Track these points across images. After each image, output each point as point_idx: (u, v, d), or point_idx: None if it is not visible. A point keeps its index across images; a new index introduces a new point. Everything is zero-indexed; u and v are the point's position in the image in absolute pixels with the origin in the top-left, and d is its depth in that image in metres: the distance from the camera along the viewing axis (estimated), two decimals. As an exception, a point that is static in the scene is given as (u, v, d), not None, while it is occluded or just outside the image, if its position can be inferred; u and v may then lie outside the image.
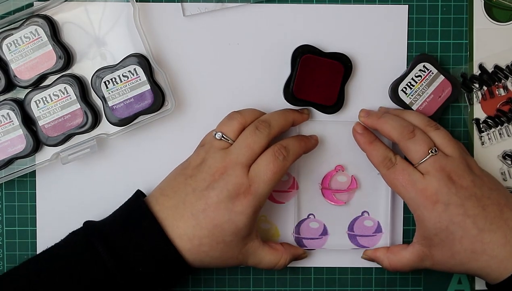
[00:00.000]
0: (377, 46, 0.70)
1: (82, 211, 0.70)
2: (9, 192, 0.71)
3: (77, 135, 0.68)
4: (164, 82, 0.67)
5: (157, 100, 0.67)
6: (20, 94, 0.68)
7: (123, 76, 0.67)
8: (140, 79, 0.67)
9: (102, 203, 0.69)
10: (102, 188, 0.70)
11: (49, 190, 0.70)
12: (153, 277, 0.60)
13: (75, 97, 0.67)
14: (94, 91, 0.67)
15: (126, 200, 0.65)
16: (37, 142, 0.67)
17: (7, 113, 0.67)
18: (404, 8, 0.71)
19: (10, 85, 0.68)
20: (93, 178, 0.70)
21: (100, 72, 0.67)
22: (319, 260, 0.72)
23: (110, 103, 0.67)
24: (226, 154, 0.62)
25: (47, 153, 0.69)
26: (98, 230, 0.61)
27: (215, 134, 0.64)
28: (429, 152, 0.63)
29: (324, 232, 0.71)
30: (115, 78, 0.67)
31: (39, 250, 0.70)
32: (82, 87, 0.67)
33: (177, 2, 0.69)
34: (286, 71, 0.69)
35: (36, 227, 0.70)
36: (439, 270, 0.65)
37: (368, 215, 0.71)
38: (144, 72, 0.67)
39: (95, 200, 0.70)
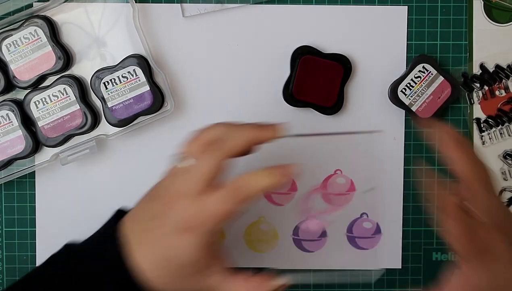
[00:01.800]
0: (377, 47, 0.70)
1: (81, 211, 0.70)
2: (8, 193, 0.71)
3: (76, 137, 0.68)
4: (163, 83, 0.67)
5: (156, 101, 0.67)
6: (20, 95, 0.68)
7: (123, 77, 0.67)
8: (139, 80, 0.67)
9: (101, 204, 0.69)
10: (101, 189, 0.70)
11: (48, 190, 0.70)
12: None
13: (75, 98, 0.67)
14: (94, 92, 0.68)
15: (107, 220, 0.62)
16: (36, 143, 0.68)
17: (7, 114, 0.67)
18: (404, 9, 0.71)
19: (10, 86, 0.68)
20: (92, 178, 0.70)
21: (100, 73, 0.67)
22: (320, 262, 0.72)
23: (109, 104, 0.67)
24: (182, 178, 0.56)
25: (46, 153, 0.69)
26: (75, 257, 0.59)
27: (183, 158, 0.57)
28: None
29: (323, 234, 0.71)
30: (114, 79, 0.67)
31: (39, 250, 0.71)
32: (81, 88, 0.67)
33: (177, 3, 0.69)
34: (286, 72, 0.69)
35: (35, 227, 0.71)
36: None
37: (367, 216, 0.71)
38: (143, 73, 0.67)
39: (94, 201, 0.70)
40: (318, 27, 0.70)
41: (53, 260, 0.60)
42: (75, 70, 0.69)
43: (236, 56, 0.70)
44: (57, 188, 0.70)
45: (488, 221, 0.54)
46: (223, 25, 0.70)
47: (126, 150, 0.70)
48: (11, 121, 0.67)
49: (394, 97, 0.70)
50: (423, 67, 0.69)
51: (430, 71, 0.69)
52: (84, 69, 0.69)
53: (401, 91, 0.69)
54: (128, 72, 0.67)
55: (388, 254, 0.72)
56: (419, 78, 0.69)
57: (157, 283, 0.57)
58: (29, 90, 0.67)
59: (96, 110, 0.68)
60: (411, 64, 0.69)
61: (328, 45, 0.70)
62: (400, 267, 0.72)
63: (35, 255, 0.71)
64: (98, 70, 0.67)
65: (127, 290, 0.57)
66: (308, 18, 0.70)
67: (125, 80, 0.67)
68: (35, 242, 0.71)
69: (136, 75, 0.67)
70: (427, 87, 0.69)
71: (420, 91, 0.69)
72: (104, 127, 0.69)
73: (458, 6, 0.71)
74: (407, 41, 0.71)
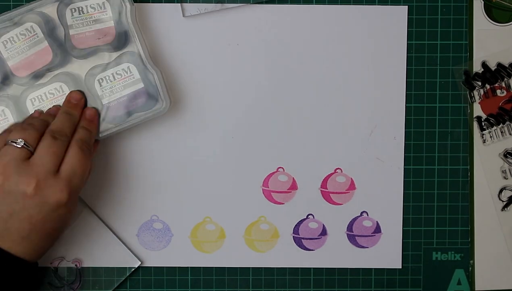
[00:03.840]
0: (377, 46, 0.70)
1: (81, 208, 0.70)
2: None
3: None
4: (159, 81, 0.67)
5: (150, 99, 0.67)
6: (17, 91, 0.68)
7: (117, 74, 0.67)
8: (133, 77, 0.67)
9: (101, 203, 0.70)
10: (99, 188, 0.70)
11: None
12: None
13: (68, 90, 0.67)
14: (88, 89, 0.67)
15: None
16: None
17: (2, 110, 0.67)
18: (404, 9, 0.71)
19: (7, 82, 0.67)
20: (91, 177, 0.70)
21: (93, 70, 0.67)
22: (318, 260, 0.72)
23: (104, 101, 0.67)
24: (32, 165, 0.60)
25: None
26: None
27: (14, 141, 0.60)
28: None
29: (323, 232, 0.71)
30: (108, 76, 0.67)
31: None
32: (77, 86, 0.67)
33: (177, 2, 0.69)
34: (286, 71, 0.69)
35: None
36: None
37: (367, 215, 0.71)
38: (137, 70, 0.67)
39: (93, 201, 0.70)
40: (318, 27, 0.70)
41: None
42: (71, 67, 0.68)
43: (236, 56, 0.70)
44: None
45: None
46: (223, 25, 0.70)
47: (122, 149, 0.70)
48: (7, 118, 0.67)
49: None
50: None
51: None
52: (79, 66, 0.68)
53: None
54: (122, 69, 0.67)
55: (388, 253, 0.72)
56: None
57: (37, 257, 0.62)
58: (25, 87, 0.67)
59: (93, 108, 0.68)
60: None
61: (328, 45, 0.70)
62: (401, 267, 0.72)
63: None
64: (92, 68, 0.67)
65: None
66: (308, 17, 0.70)
67: (119, 77, 0.67)
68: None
69: (130, 72, 0.67)
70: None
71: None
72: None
73: (458, 6, 0.71)
74: (407, 41, 0.71)
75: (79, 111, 0.66)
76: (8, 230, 0.59)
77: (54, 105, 0.66)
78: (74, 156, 0.61)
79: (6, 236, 0.59)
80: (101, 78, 0.67)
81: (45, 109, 0.66)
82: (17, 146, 0.60)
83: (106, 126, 0.67)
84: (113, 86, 0.67)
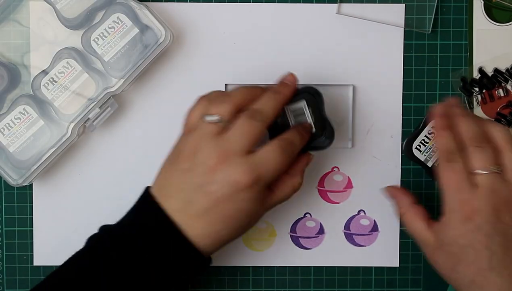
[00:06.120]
0: (376, 46, 0.70)
1: (81, 210, 0.71)
2: (8, 193, 0.71)
3: (88, 104, 0.67)
4: (152, 17, 0.67)
5: (150, 37, 0.67)
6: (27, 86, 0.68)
7: (109, 28, 0.67)
8: (126, 26, 0.67)
9: (101, 203, 0.70)
10: (100, 188, 0.71)
11: (46, 190, 0.71)
12: (175, 281, 0.60)
13: (80, 68, 0.67)
14: (90, 54, 0.67)
15: (136, 201, 0.63)
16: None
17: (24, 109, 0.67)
18: (401, 7, 0.70)
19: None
20: (91, 179, 0.71)
21: (87, 32, 0.67)
22: (318, 259, 0.72)
23: (106, 58, 0.67)
24: (222, 141, 0.59)
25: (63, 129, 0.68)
26: (116, 242, 0.60)
27: (205, 117, 0.60)
28: (491, 167, 0.60)
29: (321, 231, 0.71)
30: (102, 33, 0.67)
31: (36, 249, 0.71)
32: (82, 58, 0.67)
33: None
34: (281, 69, 0.69)
35: (32, 227, 0.71)
36: (434, 268, 0.64)
37: (364, 213, 0.71)
38: (128, 16, 0.67)
39: (93, 200, 0.71)
40: (318, 27, 0.71)
41: (92, 244, 0.61)
42: (72, 42, 0.69)
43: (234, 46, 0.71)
44: (56, 187, 0.71)
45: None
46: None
47: (119, 146, 0.71)
48: (30, 115, 0.67)
49: (408, 152, 0.70)
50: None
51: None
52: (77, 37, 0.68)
53: (416, 148, 0.70)
54: (114, 21, 0.67)
55: (385, 251, 0.72)
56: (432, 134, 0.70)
57: (218, 245, 0.61)
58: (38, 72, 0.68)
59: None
60: (424, 120, 0.70)
61: (328, 44, 0.70)
62: (398, 265, 0.72)
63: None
64: (84, 32, 0.67)
65: (184, 267, 0.60)
66: (304, 16, 0.70)
67: (113, 30, 0.67)
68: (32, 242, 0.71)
69: (122, 21, 0.67)
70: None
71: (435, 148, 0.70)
72: (112, 84, 0.68)
73: (458, 6, 0.71)
74: (404, 41, 0.71)
75: (289, 92, 0.63)
76: (191, 203, 0.59)
77: (257, 87, 0.64)
78: (272, 151, 0.59)
79: (189, 209, 0.59)
80: (96, 38, 0.67)
81: (57, 88, 0.67)
82: (212, 121, 0.60)
83: (119, 82, 0.67)
84: (111, 41, 0.67)
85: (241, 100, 0.61)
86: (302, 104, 0.64)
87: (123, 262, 0.58)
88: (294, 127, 0.63)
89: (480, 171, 0.60)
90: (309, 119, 0.64)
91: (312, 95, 0.64)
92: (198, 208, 0.59)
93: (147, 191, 0.62)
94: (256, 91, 0.63)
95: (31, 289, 0.62)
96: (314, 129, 0.64)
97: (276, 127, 0.63)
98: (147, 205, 0.61)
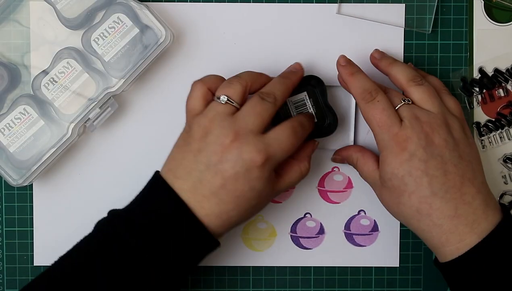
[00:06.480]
0: (376, 46, 0.70)
1: (82, 210, 0.71)
2: (8, 193, 0.71)
3: (88, 104, 0.67)
4: (152, 17, 0.67)
5: (150, 37, 0.67)
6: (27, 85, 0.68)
7: (110, 28, 0.67)
8: (126, 26, 0.67)
9: (101, 202, 0.70)
10: (100, 187, 0.71)
11: (47, 190, 0.71)
12: (184, 260, 0.60)
13: (81, 68, 0.67)
14: (90, 54, 0.67)
15: (147, 183, 0.63)
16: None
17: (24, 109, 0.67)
18: (401, 7, 0.71)
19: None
20: (91, 178, 0.71)
21: (87, 32, 0.67)
22: (318, 259, 0.72)
23: (106, 58, 0.67)
24: (234, 120, 0.60)
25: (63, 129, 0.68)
26: (127, 223, 0.60)
27: (218, 98, 0.61)
28: (407, 99, 0.63)
29: (321, 231, 0.71)
30: (102, 33, 0.67)
31: (36, 249, 0.71)
32: (83, 58, 0.67)
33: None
34: (281, 69, 0.69)
35: (32, 227, 0.71)
36: (388, 211, 0.65)
37: (365, 213, 0.71)
38: (128, 16, 0.67)
39: (93, 200, 0.71)
40: (318, 26, 0.71)
41: (100, 227, 0.62)
42: (72, 42, 0.69)
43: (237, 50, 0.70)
44: (56, 187, 0.71)
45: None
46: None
47: (117, 146, 0.71)
48: (30, 115, 0.67)
49: None
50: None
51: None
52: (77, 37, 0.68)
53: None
54: (114, 21, 0.67)
55: (386, 251, 0.72)
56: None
57: (227, 226, 0.61)
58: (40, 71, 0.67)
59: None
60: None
61: (328, 45, 0.70)
62: (398, 265, 0.72)
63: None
64: (84, 32, 0.67)
65: (194, 247, 0.60)
66: (304, 16, 0.70)
67: (113, 30, 0.67)
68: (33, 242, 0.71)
69: (122, 21, 0.67)
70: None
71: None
72: (112, 84, 0.68)
73: (459, 6, 0.71)
74: (404, 40, 0.71)
75: (296, 78, 0.66)
76: (201, 182, 0.59)
77: (263, 73, 0.66)
78: (284, 131, 0.61)
79: (199, 189, 0.59)
80: (97, 38, 0.67)
81: (57, 89, 0.67)
82: (221, 102, 0.61)
83: (119, 82, 0.67)
84: (111, 41, 0.67)
85: (250, 82, 0.63)
86: (303, 95, 0.66)
87: (134, 241, 0.59)
88: (300, 114, 0.66)
89: (399, 105, 0.63)
90: (311, 110, 0.67)
91: (313, 86, 0.67)
92: (209, 187, 0.59)
93: (157, 173, 0.62)
94: (262, 75, 0.65)
95: (42, 272, 0.62)
96: (316, 120, 0.67)
97: (278, 118, 0.64)
98: (157, 186, 0.62)
